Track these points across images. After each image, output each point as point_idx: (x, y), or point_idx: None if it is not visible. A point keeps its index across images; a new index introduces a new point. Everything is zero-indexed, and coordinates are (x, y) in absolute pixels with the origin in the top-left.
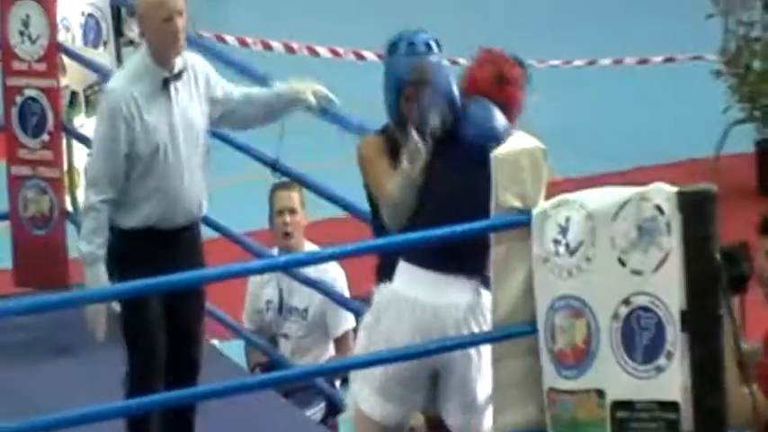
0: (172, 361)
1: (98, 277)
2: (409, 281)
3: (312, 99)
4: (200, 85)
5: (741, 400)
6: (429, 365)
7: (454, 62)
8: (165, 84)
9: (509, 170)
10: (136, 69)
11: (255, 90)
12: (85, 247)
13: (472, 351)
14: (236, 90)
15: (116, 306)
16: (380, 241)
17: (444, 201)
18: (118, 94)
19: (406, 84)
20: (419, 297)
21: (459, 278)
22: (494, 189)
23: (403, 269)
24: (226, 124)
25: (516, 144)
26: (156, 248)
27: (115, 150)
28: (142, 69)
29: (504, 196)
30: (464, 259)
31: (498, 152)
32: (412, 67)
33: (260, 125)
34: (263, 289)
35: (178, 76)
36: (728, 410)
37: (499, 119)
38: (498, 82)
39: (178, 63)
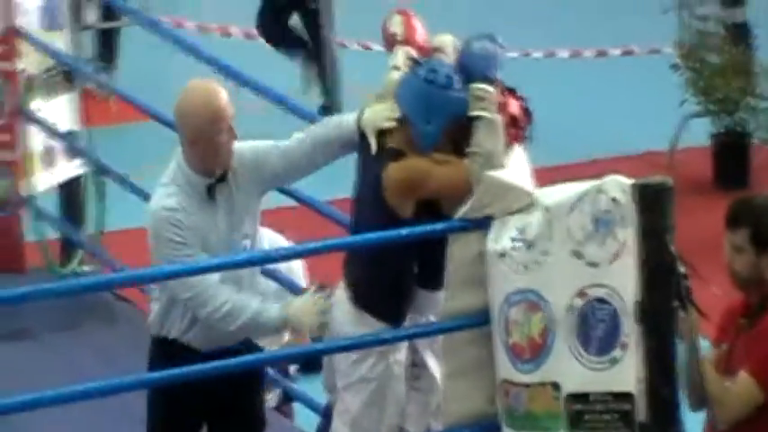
0: None
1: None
2: None
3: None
4: (247, 179)
5: (730, 395)
6: None
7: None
8: (210, 192)
9: (493, 192)
10: (176, 180)
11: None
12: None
13: None
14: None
15: None
16: (345, 239)
17: None
18: (168, 207)
19: (461, 120)
20: None
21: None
22: (474, 196)
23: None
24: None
25: (513, 175)
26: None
27: (190, 241)
28: (182, 179)
29: (479, 209)
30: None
31: (492, 175)
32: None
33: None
34: None
35: (222, 177)
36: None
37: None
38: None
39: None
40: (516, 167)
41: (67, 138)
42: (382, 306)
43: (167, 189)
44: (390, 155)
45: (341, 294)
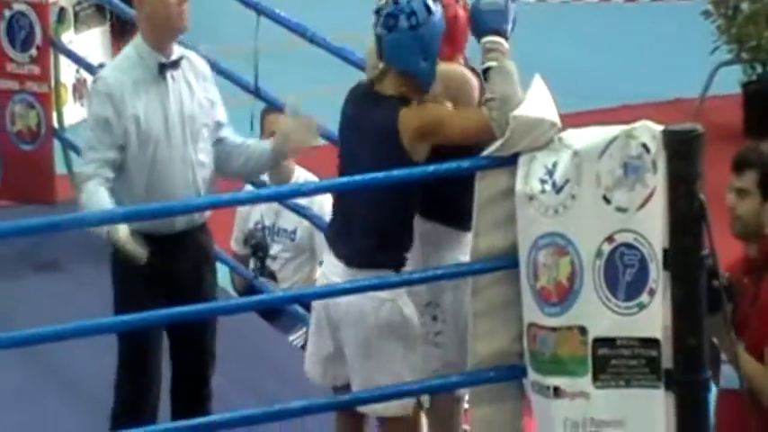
0: (177, 391)
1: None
2: None
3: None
4: (200, 81)
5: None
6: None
7: None
8: (162, 71)
9: (521, 132)
10: (129, 56)
11: (249, 141)
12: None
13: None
14: (227, 131)
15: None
16: (367, 176)
17: None
18: (109, 81)
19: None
20: None
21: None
22: (505, 136)
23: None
24: None
25: (538, 109)
26: (153, 256)
27: (109, 128)
28: (135, 56)
29: (508, 148)
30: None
31: (519, 114)
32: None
33: (231, 177)
34: (253, 209)
35: (175, 64)
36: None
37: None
38: None
39: (176, 51)
40: (537, 98)
41: (98, 71)
42: (392, 255)
43: (117, 61)
44: (398, 102)
45: (334, 270)
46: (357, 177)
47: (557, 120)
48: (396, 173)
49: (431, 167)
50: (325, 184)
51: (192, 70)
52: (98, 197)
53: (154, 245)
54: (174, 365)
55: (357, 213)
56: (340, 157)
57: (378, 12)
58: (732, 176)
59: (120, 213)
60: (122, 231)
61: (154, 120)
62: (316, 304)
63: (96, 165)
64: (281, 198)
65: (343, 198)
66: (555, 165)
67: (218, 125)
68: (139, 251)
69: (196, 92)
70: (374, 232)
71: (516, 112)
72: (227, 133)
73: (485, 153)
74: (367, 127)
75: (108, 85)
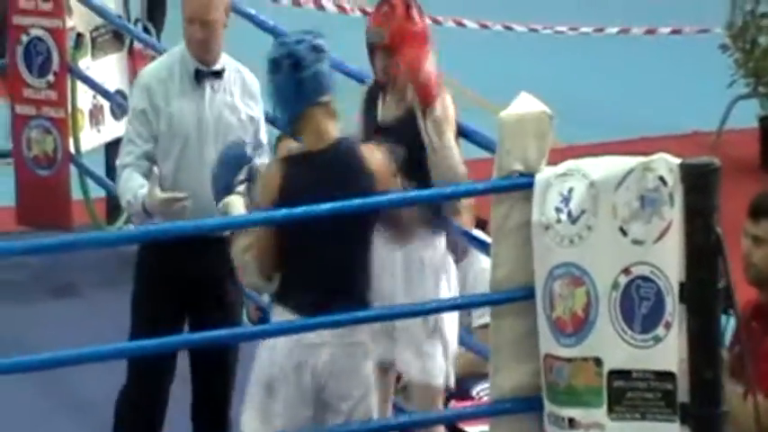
0: (198, 413)
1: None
2: None
3: None
4: (245, 97)
5: (744, 411)
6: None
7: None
8: (198, 77)
9: (513, 134)
10: (173, 56)
11: None
12: (123, 201)
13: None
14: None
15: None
16: (377, 199)
17: None
18: (148, 75)
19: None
20: None
21: None
22: (497, 152)
23: None
24: None
25: (522, 108)
26: (173, 260)
27: (146, 120)
28: (178, 57)
29: (507, 160)
30: None
31: (504, 115)
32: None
33: None
34: None
35: (216, 75)
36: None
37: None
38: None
39: (222, 62)
40: (522, 104)
41: (115, 97)
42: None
43: (162, 58)
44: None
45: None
46: (377, 198)
47: (547, 110)
48: (419, 193)
49: (448, 189)
50: (340, 205)
51: (240, 84)
52: (132, 181)
53: (179, 250)
54: (194, 385)
55: (353, 264)
56: (303, 233)
57: (298, 64)
58: (749, 222)
59: (133, 234)
60: (157, 193)
61: (186, 120)
62: (288, 375)
63: (134, 156)
64: (295, 220)
65: (330, 256)
66: (570, 191)
67: (257, 145)
68: (180, 195)
69: (238, 106)
70: (369, 281)
71: (502, 114)
72: (261, 156)
73: (495, 174)
74: (346, 183)
75: (147, 79)
